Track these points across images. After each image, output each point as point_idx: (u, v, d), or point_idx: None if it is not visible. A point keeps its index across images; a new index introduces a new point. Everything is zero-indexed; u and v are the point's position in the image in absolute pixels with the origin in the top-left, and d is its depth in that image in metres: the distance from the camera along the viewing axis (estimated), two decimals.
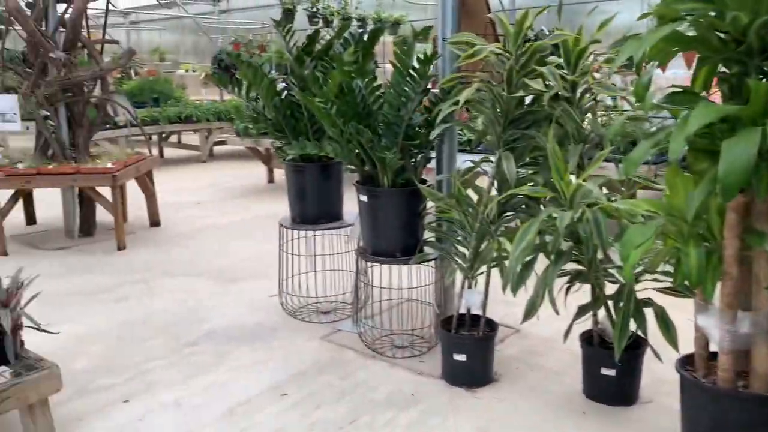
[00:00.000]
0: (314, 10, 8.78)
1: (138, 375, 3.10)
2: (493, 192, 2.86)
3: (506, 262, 2.80)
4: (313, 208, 3.58)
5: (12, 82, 5.30)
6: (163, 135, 11.22)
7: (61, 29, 5.42)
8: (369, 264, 3.27)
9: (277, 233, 3.76)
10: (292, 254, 3.74)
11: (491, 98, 2.77)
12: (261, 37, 13.22)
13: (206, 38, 16.09)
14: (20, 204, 5.98)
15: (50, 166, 5.18)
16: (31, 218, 6.24)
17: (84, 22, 5.46)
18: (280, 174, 8.70)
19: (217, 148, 11.58)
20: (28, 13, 5.08)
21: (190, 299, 4.15)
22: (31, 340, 2.64)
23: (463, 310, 2.97)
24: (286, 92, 3.57)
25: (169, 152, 11.75)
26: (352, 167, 3.21)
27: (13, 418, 2.48)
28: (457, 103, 2.70)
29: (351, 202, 3.68)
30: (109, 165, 5.21)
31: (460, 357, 2.87)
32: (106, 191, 5.26)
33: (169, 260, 5.02)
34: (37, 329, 2.57)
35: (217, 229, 6.09)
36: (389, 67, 3.11)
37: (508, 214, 2.88)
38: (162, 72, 14.01)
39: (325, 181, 3.56)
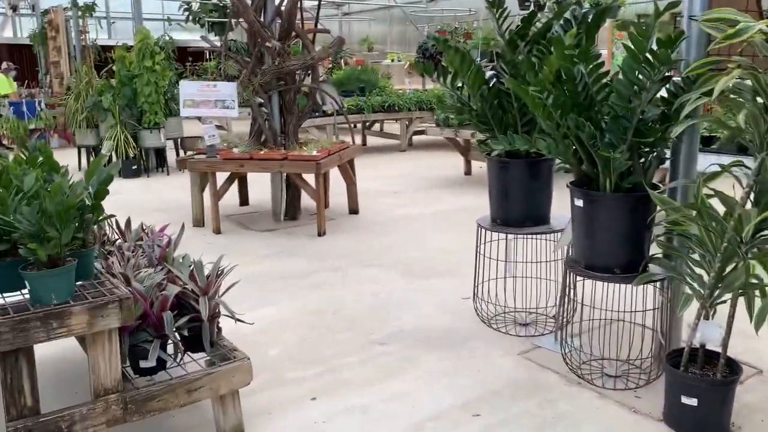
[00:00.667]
0: None
1: (327, 371, 3.02)
2: (748, 205, 2.30)
3: (758, 292, 2.25)
4: (517, 210, 3.25)
5: (232, 70, 5.61)
6: (367, 123, 11.50)
7: (278, 20, 5.62)
8: (579, 278, 2.87)
9: (473, 230, 3.48)
10: (490, 258, 3.44)
11: (754, 88, 2.22)
12: (467, 25, 13.01)
13: (413, 28, 16.27)
14: (235, 186, 6.38)
15: (261, 152, 5.41)
16: (244, 199, 6.64)
17: (298, 13, 5.62)
18: (477, 166, 8.42)
19: (416, 138, 11.61)
20: (249, 4, 5.32)
21: (382, 292, 4.04)
22: (229, 323, 2.64)
23: (696, 345, 2.46)
24: (494, 80, 3.26)
25: (371, 140, 12.03)
26: (567, 166, 2.82)
27: (204, 405, 2.50)
28: (709, 93, 2.20)
29: (560, 205, 3.29)
30: (315, 153, 5.31)
31: (690, 401, 2.37)
32: (310, 178, 5.38)
33: (364, 249, 4.99)
34: (231, 318, 2.57)
35: (412, 219, 5.98)
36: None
37: (765, 233, 2.31)
38: (369, 62, 14.42)
39: (533, 180, 3.20)
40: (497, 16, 3.16)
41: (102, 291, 2.17)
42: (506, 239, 3.47)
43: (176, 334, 2.36)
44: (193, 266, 2.52)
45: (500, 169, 3.24)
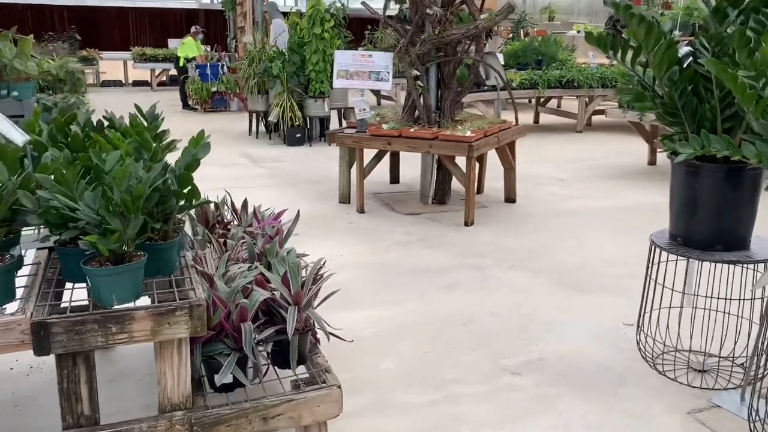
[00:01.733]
0: None
1: (443, 400, 2.56)
2: None
3: None
4: (706, 228, 2.51)
5: (391, 39, 5.22)
6: (541, 100, 10.64)
7: None
8: None
9: (648, 249, 2.79)
10: (663, 285, 2.73)
11: None
12: None
13: None
14: (388, 162, 6.07)
15: (411, 130, 4.99)
16: (395, 177, 6.30)
17: None
18: (664, 156, 7.34)
19: (595, 118, 10.53)
20: None
21: (526, 304, 3.47)
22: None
23: None
24: (689, 60, 2.52)
25: (545, 118, 11.14)
26: None
27: None
28: None
29: (765, 226, 2.50)
30: (468, 133, 4.78)
31: None
32: (462, 161, 4.87)
33: (514, 247, 4.41)
34: (324, 332, 2.19)
35: (578, 215, 5.25)
36: None
37: None
38: (551, 33, 13.37)
39: (731, 193, 2.44)
40: None
41: (175, 293, 1.89)
42: (687, 264, 2.73)
43: (259, 348, 2.03)
44: (287, 268, 2.17)
45: (687, 175, 2.51)
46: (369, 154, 5.36)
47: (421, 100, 5.20)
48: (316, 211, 5.26)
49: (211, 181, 6.70)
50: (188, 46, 12.34)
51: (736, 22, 2.39)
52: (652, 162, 7.33)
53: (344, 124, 8.95)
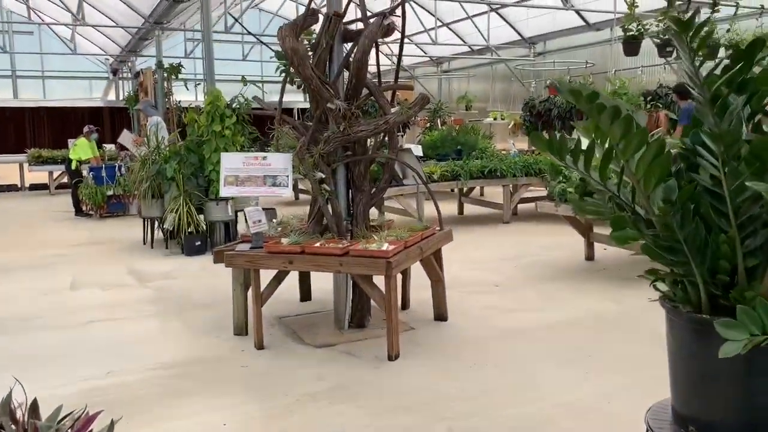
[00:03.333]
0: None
1: None
2: None
3: None
4: (737, 413, 1.69)
5: (290, 140, 4.41)
6: (464, 189, 10.10)
7: (347, 74, 4.41)
8: None
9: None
10: None
11: None
12: (583, 79, 11.46)
13: (518, 84, 14.91)
14: (296, 276, 5.14)
15: (318, 244, 4.11)
16: (306, 293, 5.36)
17: (377, 62, 4.38)
18: (600, 248, 6.75)
19: (522, 206, 10.03)
20: (309, 55, 4.13)
21: None
22: None
23: None
24: (679, 168, 1.78)
25: (469, 208, 10.58)
26: None
27: None
28: None
29: None
30: (386, 247, 3.95)
31: None
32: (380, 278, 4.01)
33: (451, 392, 3.50)
34: None
35: (522, 336, 4.43)
36: None
37: None
38: (468, 121, 13.13)
39: None
40: (690, 42, 1.70)
41: None
42: None
43: None
44: None
45: (694, 334, 1.71)
46: (269, 273, 4.43)
47: (329, 206, 4.37)
48: (202, 351, 4.23)
49: (84, 311, 5.60)
50: (81, 148, 11.25)
51: (743, 113, 1.67)
52: (589, 257, 6.72)
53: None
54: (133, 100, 14.01)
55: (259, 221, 4.30)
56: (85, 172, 11.07)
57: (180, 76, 11.34)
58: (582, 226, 6.62)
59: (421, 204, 7.85)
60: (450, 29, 15.54)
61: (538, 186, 9.98)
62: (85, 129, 11.56)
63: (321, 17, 4.42)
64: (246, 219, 4.30)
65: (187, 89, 10.32)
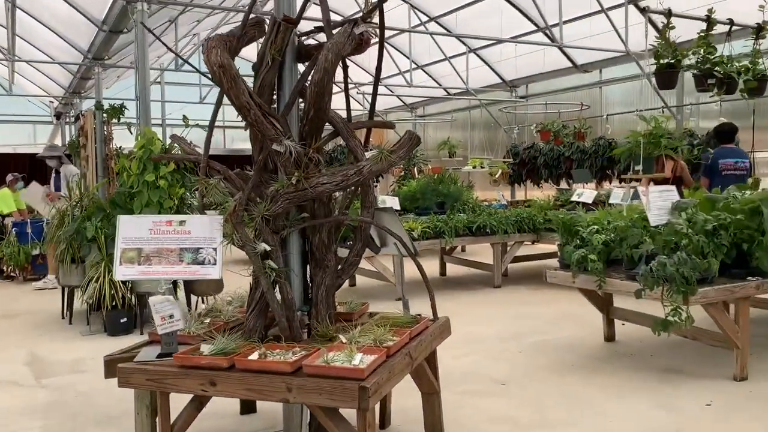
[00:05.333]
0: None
1: None
2: None
3: None
4: None
5: (218, 196, 3.07)
6: (447, 248, 8.82)
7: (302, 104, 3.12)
8: None
9: None
10: None
11: None
12: (579, 123, 10.42)
13: (499, 130, 13.87)
14: None
15: (255, 355, 2.72)
16: (249, 404, 3.94)
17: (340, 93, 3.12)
18: (619, 324, 5.47)
19: (511, 265, 8.76)
20: (238, 77, 2.82)
21: None
22: None
23: None
24: None
25: (452, 268, 9.28)
26: None
27: None
28: None
29: None
30: (358, 360, 2.59)
31: None
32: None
33: None
34: None
35: None
36: None
37: None
38: (446, 169, 11.93)
39: None
40: None
41: None
42: None
43: None
44: None
45: None
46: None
47: (277, 292, 3.02)
48: None
49: None
50: (2, 199, 9.73)
51: None
52: (610, 337, 5.42)
53: (194, 303, 6.57)
54: (75, 146, 12.54)
55: (171, 317, 2.91)
56: (8, 229, 9.55)
57: (123, 119, 9.96)
58: (600, 300, 5.34)
59: (400, 270, 6.51)
60: (425, 71, 14.53)
61: (527, 241, 8.77)
62: (9, 177, 10.06)
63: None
64: (152, 312, 2.92)
65: (131, 133, 8.96)
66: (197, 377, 2.70)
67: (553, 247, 10.22)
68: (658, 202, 4.67)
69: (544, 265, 9.59)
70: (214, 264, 3.02)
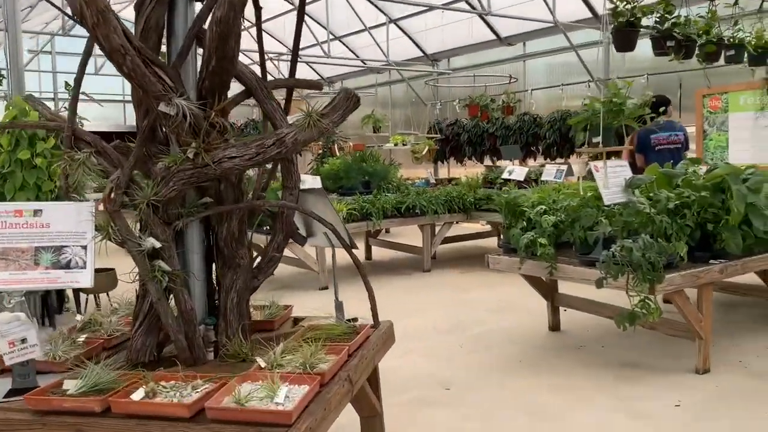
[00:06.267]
0: None
1: None
2: None
3: None
4: None
5: (88, 176, 2.28)
6: (372, 231, 8.21)
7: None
8: None
9: None
10: None
11: None
12: (506, 96, 10.00)
13: (421, 106, 13.33)
14: None
15: (138, 394, 1.99)
16: None
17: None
18: (571, 318, 5.05)
19: (440, 248, 8.26)
20: (110, 10, 2.04)
21: None
22: None
23: None
24: None
25: (379, 252, 8.69)
26: None
27: None
28: None
29: None
30: (282, 396, 1.91)
31: None
32: None
33: None
34: None
35: None
36: None
37: None
38: (368, 147, 11.26)
39: None
40: None
41: None
42: None
43: None
44: None
45: None
46: None
47: (170, 301, 2.29)
48: None
49: None
50: None
51: None
52: (555, 327, 4.98)
53: (84, 302, 5.62)
54: None
55: (23, 341, 2.13)
56: None
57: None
58: (545, 287, 4.89)
59: (332, 264, 5.85)
60: (343, 43, 13.76)
61: (459, 221, 8.31)
62: None
63: None
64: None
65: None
66: (58, 427, 1.94)
67: (478, 227, 9.84)
68: (612, 178, 4.22)
69: (474, 246, 9.20)
70: (84, 267, 2.24)
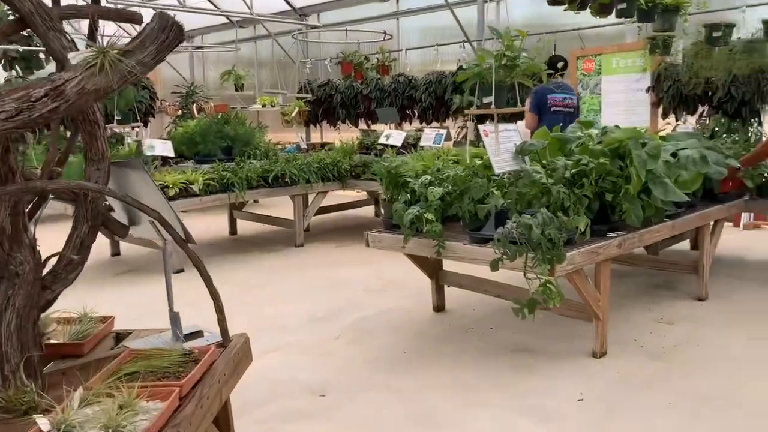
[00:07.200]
0: None
1: None
2: None
3: None
4: None
5: None
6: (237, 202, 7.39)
7: None
8: None
9: None
10: None
11: None
12: (382, 54, 9.39)
13: (290, 65, 12.43)
14: None
15: None
16: None
17: None
18: (455, 296, 4.61)
19: (314, 219, 7.61)
20: None
21: None
22: None
23: None
24: None
25: (245, 225, 7.89)
26: None
27: None
28: None
29: None
30: None
31: None
32: None
33: None
34: None
35: None
36: None
37: None
38: (233, 108, 10.25)
39: None
40: None
41: None
42: None
43: None
44: None
45: None
46: None
47: None
48: None
49: None
50: None
51: None
52: (440, 307, 4.53)
53: None
54: None
55: None
56: None
57: None
58: (429, 265, 4.40)
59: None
60: None
61: (334, 191, 7.69)
62: None
63: None
64: None
65: None
66: None
67: (355, 195, 9.29)
68: (503, 144, 3.76)
69: (351, 216, 8.64)
70: None
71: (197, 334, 2.26)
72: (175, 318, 2.18)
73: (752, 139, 5.90)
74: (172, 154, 6.61)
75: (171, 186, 5.67)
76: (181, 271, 5.77)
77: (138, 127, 7.47)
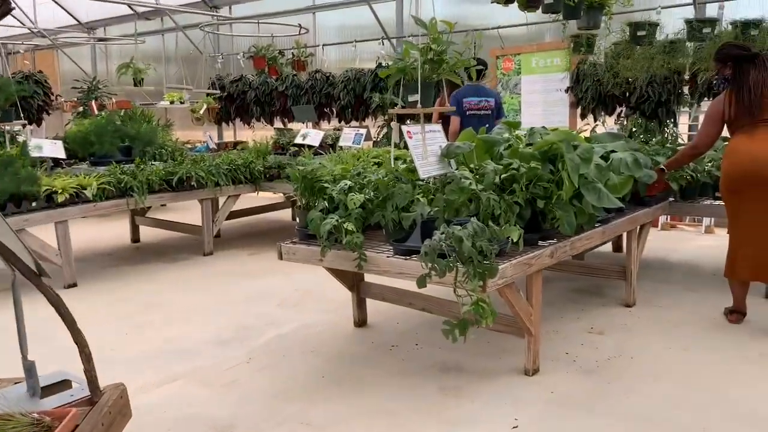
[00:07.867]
0: None
1: None
2: None
3: None
4: None
5: None
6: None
7: None
8: None
9: None
10: None
11: None
12: (297, 48, 8.94)
13: (200, 60, 11.75)
14: None
15: None
16: None
17: None
18: (378, 309, 4.29)
19: (225, 223, 7.10)
20: None
21: None
22: None
23: None
24: None
25: (148, 232, 7.28)
26: None
27: None
28: None
29: None
30: None
31: None
32: None
33: None
34: None
35: None
36: None
37: None
38: (137, 104, 9.51)
39: None
40: None
41: None
42: None
43: None
44: None
45: None
46: None
47: None
48: None
49: None
50: None
51: None
52: (361, 322, 4.20)
53: None
54: None
55: None
56: None
57: None
58: (350, 277, 4.05)
59: (68, 241, 4.42)
60: None
61: (246, 194, 7.21)
62: None
63: None
64: None
65: None
66: None
67: (270, 196, 8.83)
68: (429, 146, 3.46)
69: (266, 220, 8.17)
70: None
71: (62, 384, 1.82)
72: (29, 367, 1.74)
73: (669, 141, 5.90)
74: (63, 155, 5.96)
75: (60, 191, 5.07)
76: (74, 285, 5.19)
77: (25, 125, 6.71)
